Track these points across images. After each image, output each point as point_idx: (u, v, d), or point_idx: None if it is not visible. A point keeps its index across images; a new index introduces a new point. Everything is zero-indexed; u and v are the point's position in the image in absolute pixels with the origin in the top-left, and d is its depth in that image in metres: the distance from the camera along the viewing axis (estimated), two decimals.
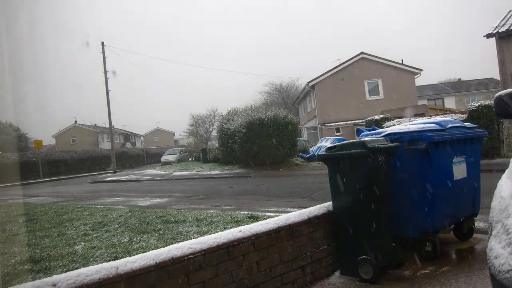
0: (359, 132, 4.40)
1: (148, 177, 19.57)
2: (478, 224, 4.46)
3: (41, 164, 27.55)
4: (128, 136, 68.07)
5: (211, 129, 53.05)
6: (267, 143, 16.84)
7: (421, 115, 19.05)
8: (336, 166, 3.54)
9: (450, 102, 39.13)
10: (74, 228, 5.68)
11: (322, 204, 3.76)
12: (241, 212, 5.96)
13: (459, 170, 3.86)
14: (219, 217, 5.56)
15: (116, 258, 3.64)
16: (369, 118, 16.63)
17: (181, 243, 2.64)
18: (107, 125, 34.08)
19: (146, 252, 2.53)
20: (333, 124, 26.68)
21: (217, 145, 26.90)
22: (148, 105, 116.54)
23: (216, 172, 18.28)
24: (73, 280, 2.06)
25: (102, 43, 29.54)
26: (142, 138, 76.37)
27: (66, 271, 3.21)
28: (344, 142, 3.63)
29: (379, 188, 3.35)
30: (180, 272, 2.49)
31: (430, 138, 3.50)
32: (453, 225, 4.18)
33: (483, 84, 41.65)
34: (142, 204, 8.74)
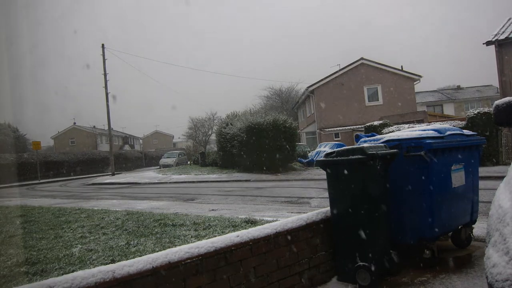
0: (358, 138, 4.39)
1: (147, 180, 19.53)
2: (476, 231, 4.45)
3: (39, 166, 27.48)
4: (126, 138, 68.05)
5: (210, 133, 53.09)
6: (266, 148, 16.82)
7: (420, 121, 19.09)
8: (334, 172, 3.54)
9: (449, 109, 39.24)
10: (71, 231, 5.66)
11: (320, 210, 3.75)
12: (239, 217, 5.94)
13: (458, 178, 3.86)
14: (216, 221, 5.54)
15: (113, 261, 3.62)
16: (368, 124, 16.69)
17: (178, 247, 2.63)
18: (106, 127, 34.05)
19: (143, 255, 2.52)
20: (332, 129, 26.72)
21: (215, 148, 26.88)
22: (147, 108, 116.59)
23: (214, 176, 18.26)
24: (70, 283, 2.05)
25: (103, 45, 29.52)
26: (140, 140, 76.39)
27: (62, 274, 3.21)
28: (343, 148, 3.63)
29: (377, 194, 3.35)
30: (177, 276, 2.48)
31: (429, 145, 3.50)
32: (451, 232, 4.17)
33: (482, 91, 41.78)
34: (139, 207, 8.71)
